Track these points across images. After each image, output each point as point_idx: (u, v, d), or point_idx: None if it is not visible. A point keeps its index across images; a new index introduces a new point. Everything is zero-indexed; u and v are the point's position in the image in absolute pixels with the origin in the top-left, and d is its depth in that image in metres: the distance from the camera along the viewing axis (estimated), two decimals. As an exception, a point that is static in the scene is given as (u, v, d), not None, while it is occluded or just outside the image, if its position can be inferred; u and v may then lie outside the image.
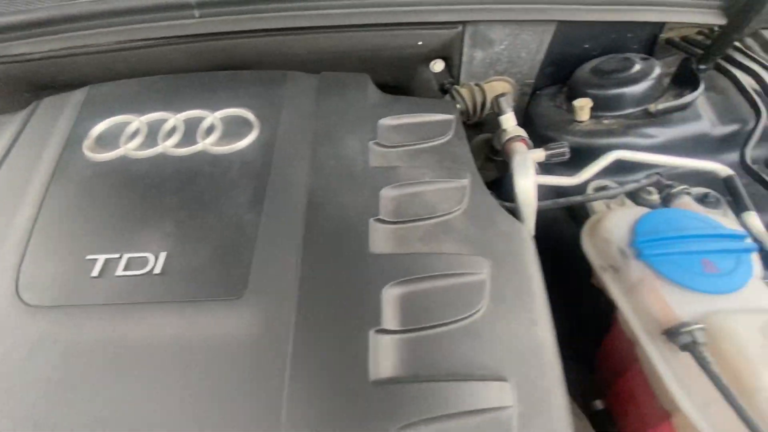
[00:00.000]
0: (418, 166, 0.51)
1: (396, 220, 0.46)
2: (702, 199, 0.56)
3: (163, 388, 0.35)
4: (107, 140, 0.54)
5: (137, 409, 0.34)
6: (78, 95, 0.60)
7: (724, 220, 0.53)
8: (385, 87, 0.77)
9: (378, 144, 0.53)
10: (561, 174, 0.60)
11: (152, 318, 0.38)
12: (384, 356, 0.36)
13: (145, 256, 0.42)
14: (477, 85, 0.75)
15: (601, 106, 0.66)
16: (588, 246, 0.52)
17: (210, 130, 0.54)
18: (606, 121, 0.65)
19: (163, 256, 0.42)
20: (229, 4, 0.67)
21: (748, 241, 0.45)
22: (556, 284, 0.47)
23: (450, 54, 0.73)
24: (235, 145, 0.52)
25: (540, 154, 0.57)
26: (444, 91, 0.78)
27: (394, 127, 0.56)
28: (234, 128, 0.54)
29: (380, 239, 0.44)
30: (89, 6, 0.67)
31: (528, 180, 0.54)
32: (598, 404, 0.64)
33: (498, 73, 0.77)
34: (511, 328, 0.39)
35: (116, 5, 0.67)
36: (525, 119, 0.78)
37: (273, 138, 0.52)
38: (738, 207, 0.53)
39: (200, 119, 0.55)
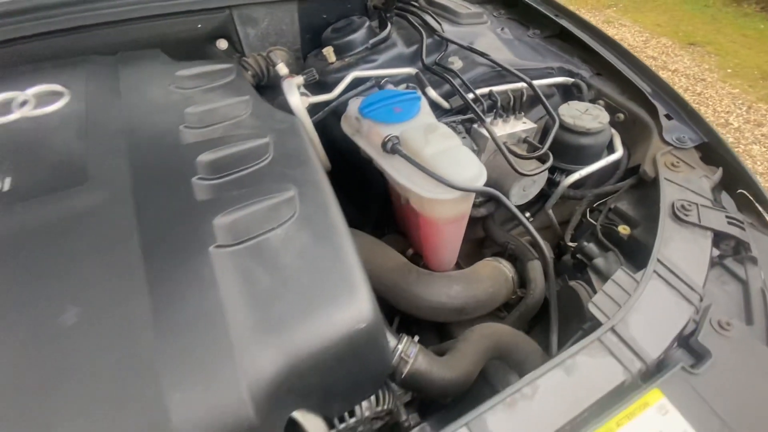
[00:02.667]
0: (218, 107, 0.70)
1: (215, 177, 0.57)
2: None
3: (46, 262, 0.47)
4: None
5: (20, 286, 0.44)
6: None
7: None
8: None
9: (178, 87, 0.72)
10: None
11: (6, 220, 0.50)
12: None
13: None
14: (259, 54, 1.00)
15: (342, 50, 0.97)
16: (344, 126, 0.81)
17: (24, 103, 0.65)
18: (347, 59, 0.96)
19: (8, 180, 0.53)
20: (25, 12, 0.77)
21: (417, 94, 0.78)
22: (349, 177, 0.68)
23: (229, 33, 0.95)
24: (49, 107, 0.64)
25: (300, 79, 0.84)
26: (236, 64, 1.00)
27: (187, 76, 0.75)
28: (46, 98, 0.66)
29: (202, 192, 0.55)
30: None
31: (294, 97, 0.80)
32: (410, 252, 0.95)
33: (272, 44, 1.03)
34: (313, 217, 0.56)
35: None
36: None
37: (84, 97, 0.66)
38: (422, 87, 0.89)
39: (12, 98, 0.65)
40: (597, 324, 0.53)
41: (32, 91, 0.67)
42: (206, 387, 0.39)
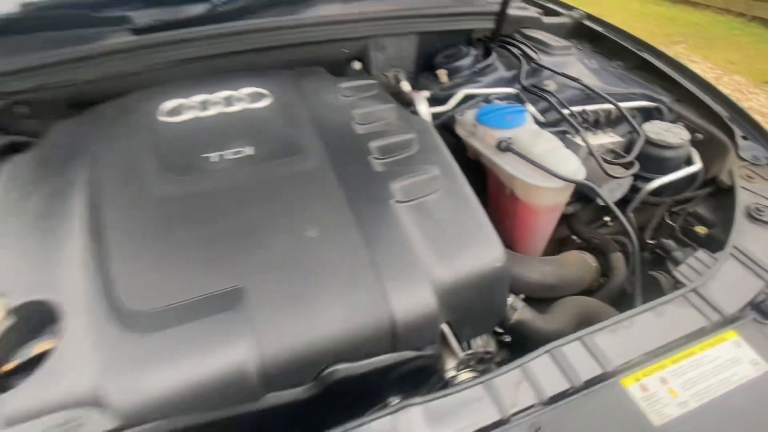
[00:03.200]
0: (375, 110, 0.93)
1: (384, 157, 0.80)
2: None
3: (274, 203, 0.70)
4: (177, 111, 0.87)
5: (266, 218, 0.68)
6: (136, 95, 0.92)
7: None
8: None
9: (343, 96, 0.96)
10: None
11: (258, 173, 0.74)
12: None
13: (241, 150, 0.77)
14: (383, 74, 1.24)
15: (452, 73, 1.19)
16: (459, 130, 1.01)
17: (240, 99, 0.91)
18: (457, 80, 1.18)
19: (252, 148, 0.77)
20: (225, 35, 1.06)
21: (517, 109, 0.97)
22: None
23: (363, 57, 1.20)
24: (260, 103, 0.90)
25: (426, 93, 1.06)
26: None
27: (347, 87, 0.99)
28: (255, 97, 0.92)
29: (378, 166, 0.78)
30: (115, 45, 1.00)
31: (424, 106, 1.02)
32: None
33: (393, 66, 1.27)
34: (453, 189, 0.80)
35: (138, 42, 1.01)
36: (415, 91, 1.28)
37: (283, 97, 0.92)
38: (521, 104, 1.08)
39: (231, 95, 0.92)
40: (681, 286, 0.67)
41: (244, 91, 0.93)
42: (409, 284, 0.59)
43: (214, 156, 0.76)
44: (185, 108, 0.88)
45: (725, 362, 0.57)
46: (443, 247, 0.65)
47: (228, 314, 0.54)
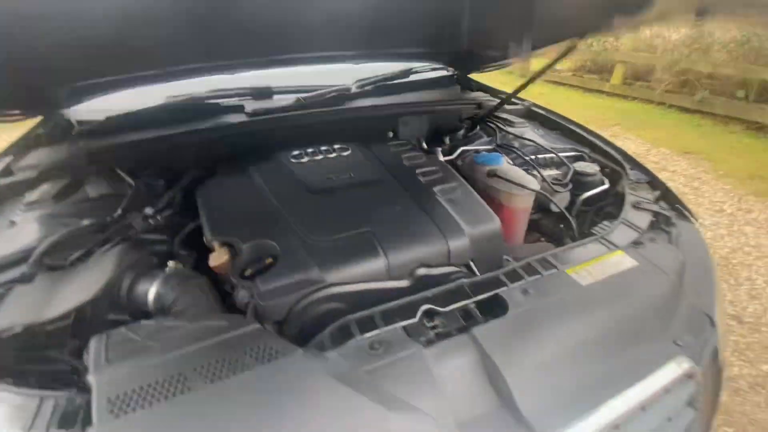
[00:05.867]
0: (413, 155, 1.56)
1: (425, 177, 1.47)
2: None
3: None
4: (300, 157, 1.46)
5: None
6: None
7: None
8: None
9: (392, 149, 1.58)
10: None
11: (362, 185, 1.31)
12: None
13: (347, 174, 1.35)
14: (409, 139, 1.90)
15: (451, 139, 1.86)
16: (462, 167, 1.63)
17: (332, 151, 1.52)
18: (455, 142, 1.84)
19: (352, 174, 1.36)
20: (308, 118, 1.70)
21: (497, 155, 1.61)
22: None
23: (396, 129, 1.87)
24: (346, 153, 1.51)
25: (439, 149, 1.70)
26: (394, 144, 1.90)
27: (395, 144, 1.62)
28: (342, 149, 1.53)
29: (423, 180, 1.45)
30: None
31: (440, 155, 1.65)
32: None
33: (412, 134, 1.94)
34: (466, 192, 1.44)
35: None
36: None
37: (358, 150, 1.53)
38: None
39: (328, 149, 1.53)
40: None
41: (335, 146, 1.55)
42: (455, 233, 1.14)
43: (334, 177, 1.34)
44: (303, 155, 1.48)
45: (617, 262, 1.12)
46: (469, 219, 1.21)
47: (368, 241, 1.08)
